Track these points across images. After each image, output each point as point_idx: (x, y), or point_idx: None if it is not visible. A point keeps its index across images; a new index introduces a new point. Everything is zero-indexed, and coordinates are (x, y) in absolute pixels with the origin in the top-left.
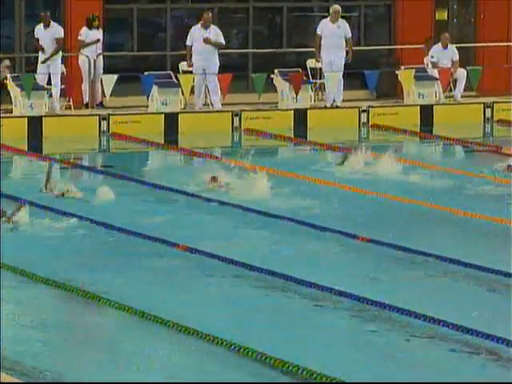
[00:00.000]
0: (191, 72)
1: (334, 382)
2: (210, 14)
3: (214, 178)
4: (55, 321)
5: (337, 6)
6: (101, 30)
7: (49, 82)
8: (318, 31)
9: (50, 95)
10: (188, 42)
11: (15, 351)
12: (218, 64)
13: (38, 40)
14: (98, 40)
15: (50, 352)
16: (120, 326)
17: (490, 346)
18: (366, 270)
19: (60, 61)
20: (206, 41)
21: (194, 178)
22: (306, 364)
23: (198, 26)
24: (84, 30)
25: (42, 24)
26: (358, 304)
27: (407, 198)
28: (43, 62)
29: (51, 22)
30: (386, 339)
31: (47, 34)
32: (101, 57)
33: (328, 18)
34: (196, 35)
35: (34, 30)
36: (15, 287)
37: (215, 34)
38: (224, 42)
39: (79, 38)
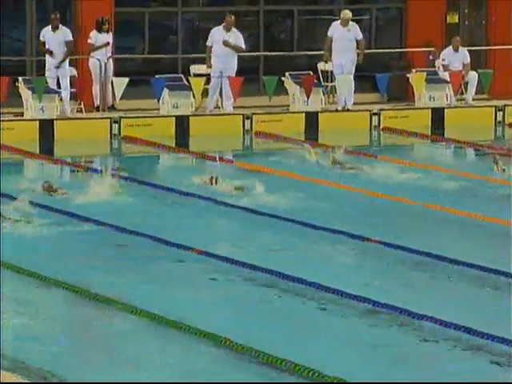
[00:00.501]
0: (202, 75)
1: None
2: (233, 17)
3: (211, 179)
4: (66, 324)
5: (347, 13)
6: (110, 34)
7: (58, 86)
8: (329, 33)
9: (61, 98)
10: (208, 43)
11: (22, 351)
12: (236, 68)
13: (44, 43)
14: (108, 43)
15: (59, 354)
16: (133, 330)
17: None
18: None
19: (68, 64)
20: (226, 43)
21: (203, 180)
22: (323, 369)
23: (220, 27)
24: (94, 33)
25: (49, 26)
26: (371, 307)
27: (417, 200)
28: (57, 67)
29: (59, 25)
30: (399, 342)
31: (56, 36)
32: (111, 60)
33: (339, 21)
34: (217, 37)
35: (39, 33)
36: (27, 290)
37: (235, 37)
38: (244, 47)
39: (89, 41)
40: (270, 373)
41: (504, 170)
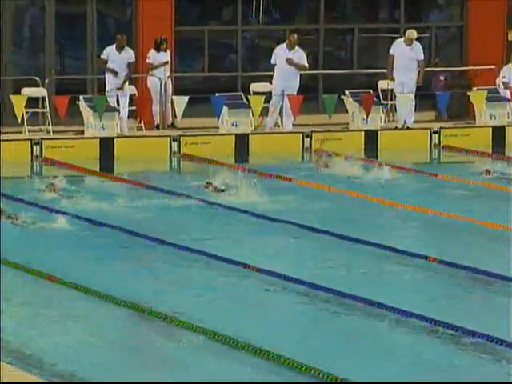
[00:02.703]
0: (262, 93)
1: None
2: (296, 36)
3: (208, 184)
4: (122, 340)
5: (413, 32)
6: (168, 53)
7: (118, 104)
8: (391, 51)
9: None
10: (272, 61)
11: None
12: (298, 86)
13: (105, 61)
14: (167, 62)
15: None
16: (191, 347)
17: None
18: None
19: (128, 83)
20: (289, 61)
21: (261, 198)
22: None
23: (283, 46)
24: (152, 52)
25: (113, 46)
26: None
27: (478, 219)
28: (120, 89)
29: (125, 46)
30: (459, 362)
31: (120, 57)
32: (170, 78)
33: (402, 39)
34: (280, 55)
35: (102, 51)
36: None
37: (299, 55)
38: (307, 65)
39: (147, 60)
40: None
41: None
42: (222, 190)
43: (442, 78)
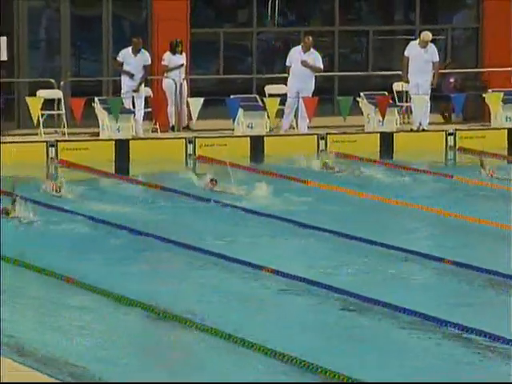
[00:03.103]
0: (277, 95)
1: None
2: (311, 38)
3: (212, 181)
4: (139, 341)
5: (428, 34)
6: (184, 55)
7: (133, 106)
8: (406, 53)
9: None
10: (287, 63)
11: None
12: (313, 88)
13: (121, 64)
14: (182, 65)
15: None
16: (206, 349)
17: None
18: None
19: (143, 85)
20: (304, 63)
21: (279, 201)
22: None
23: (299, 48)
24: (167, 54)
25: (129, 49)
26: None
27: (493, 220)
28: (135, 91)
29: (141, 48)
30: (482, 364)
31: (137, 60)
32: (185, 80)
33: (417, 41)
34: (295, 57)
35: (117, 53)
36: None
37: (314, 57)
38: (322, 67)
39: (162, 63)
40: None
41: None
42: (215, 185)
43: (451, 80)
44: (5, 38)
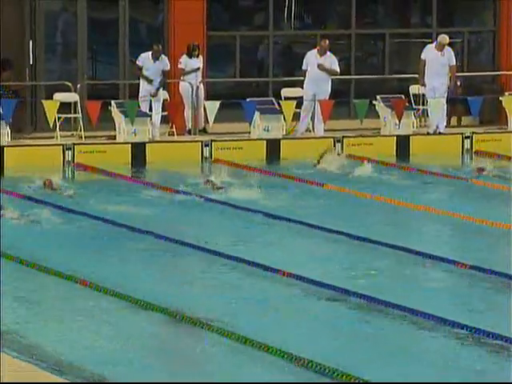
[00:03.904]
0: (293, 98)
1: None
2: (327, 41)
3: (208, 181)
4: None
5: (445, 37)
6: (201, 58)
7: (150, 109)
8: (422, 56)
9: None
10: (304, 67)
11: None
12: (330, 91)
13: (141, 68)
14: (198, 68)
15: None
16: (222, 351)
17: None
18: None
19: (161, 89)
20: (320, 67)
21: (294, 203)
22: None
23: (315, 51)
24: (184, 58)
25: (149, 54)
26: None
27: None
28: (154, 96)
29: (161, 55)
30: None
31: (156, 66)
32: (202, 84)
33: (433, 44)
34: (311, 60)
35: (137, 57)
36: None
37: (330, 61)
38: (339, 70)
39: (179, 66)
40: None
41: None
42: (221, 187)
43: (458, 83)
44: (30, 41)
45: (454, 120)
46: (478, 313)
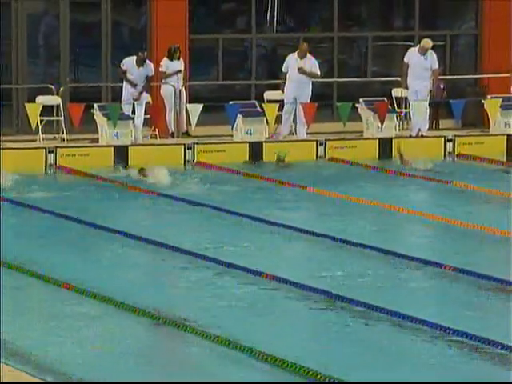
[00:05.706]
0: (276, 101)
1: None
2: (306, 44)
3: (141, 170)
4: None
5: (428, 42)
6: (182, 61)
7: (133, 112)
8: (405, 60)
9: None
10: (284, 69)
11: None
12: (310, 95)
13: (125, 72)
14: (180, 71)
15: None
16: (207, 355)
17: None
18: None
19: (144, 93)
20: (300, 70)
21: (271, 207)
22: None
23: (295, 54)
24: (165, 61)
25: (133, 59)
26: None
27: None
28: (136, 100)
29: (146, 60)
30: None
31: (139, 72)
32: (183, 87)
33: (416, 48)
34: (291, 63)
35: (121, 61)
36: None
37: (311, 64)
38: (319, 73)
39: (160, 69)
40: None
41: None
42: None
43: (441, 86)
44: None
45: (442, 123)
46: (465, 316)
